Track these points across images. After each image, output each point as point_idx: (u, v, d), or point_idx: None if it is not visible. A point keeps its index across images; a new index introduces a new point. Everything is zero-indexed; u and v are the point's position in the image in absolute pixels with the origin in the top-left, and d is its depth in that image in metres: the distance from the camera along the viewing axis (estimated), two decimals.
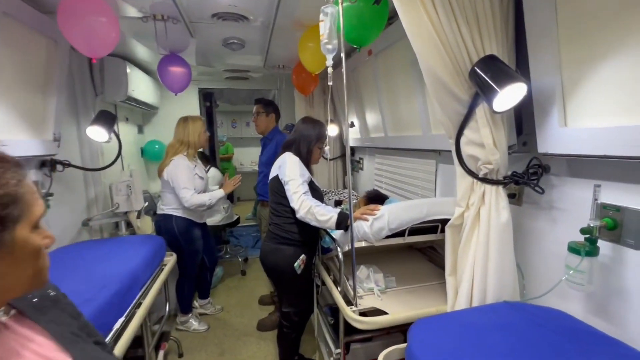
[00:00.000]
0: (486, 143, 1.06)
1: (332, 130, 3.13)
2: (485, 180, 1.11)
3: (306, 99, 3.23)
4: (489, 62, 0.98)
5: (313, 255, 1.79)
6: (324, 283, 1.70)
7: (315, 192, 1.69)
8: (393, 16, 1.66)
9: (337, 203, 2.75)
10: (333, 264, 1.70)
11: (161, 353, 1.98)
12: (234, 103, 5.86)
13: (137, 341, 1.53)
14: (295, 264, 1.64)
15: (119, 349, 1.15)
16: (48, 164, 1.84)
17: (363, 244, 1.45)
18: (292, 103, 3.41)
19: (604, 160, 0.93)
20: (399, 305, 1.37)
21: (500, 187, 1.11)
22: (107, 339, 1.11)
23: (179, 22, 1.89)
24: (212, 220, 3.26)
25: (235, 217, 3.60)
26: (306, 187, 1.58)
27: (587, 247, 0.94)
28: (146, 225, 2.51)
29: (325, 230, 1.67)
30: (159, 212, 2.32)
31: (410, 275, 1.64)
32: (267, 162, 2.45)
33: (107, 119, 2.00)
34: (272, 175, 1.74)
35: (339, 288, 1.46)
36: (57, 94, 1.80)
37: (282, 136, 2.55)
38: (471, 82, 1.03)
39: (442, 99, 1.09)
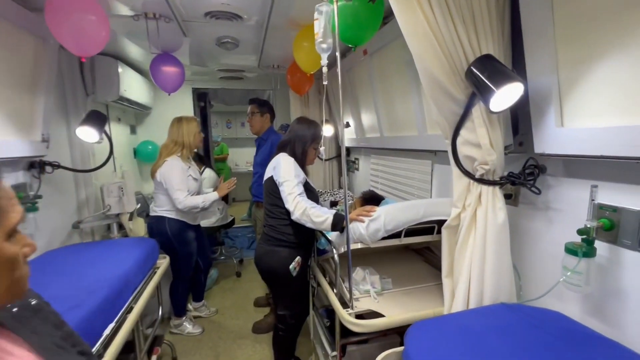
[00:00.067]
0: (482, 143, 1.05)
1: (327, 130, 3.11)
2: (481, 181, 1.10)
3: (301, 99, 3.21)
4: (486, 62, 0.97)
5: (308, 257, 1.78)
6: (319, 285, 1.68)
7: (311, 193, 1.67)
8: (388, 15, 1.65)
9: (333, 204, 2.73)
10: (329, 265, 1.68)
11: (154, 358, 1.94)
12: (228, 103, 5.82)
13: (129, 346, 1.50)
14: (291, 266, 1.62)
15: (109, 356, 1.12)
16: (36, 165, 1.80)
17: (359, 245, 1.43)
18: (287, 103, 3.38)
19: (600, 160, 0.93)
20: (395, 307, 1.36)
21: (497, 188, 1.10)
22: (96, 346, 1.08)
23: (171, 20, 1.86)
24: (207, 221, 3.23)
25: (230, 219, 3.56)
26: (301, 188, 1.56)
27: (584, 248, 0.94)
28: (139, 228, 2.47)
29: (320, 232, 1.65)
30: (151, 214, 2.29)
31: (406, 277, 1.63)
32: (262, 162, 2.42)
33: (97, 119, 1.96)
34: (266, 176, 1.72)
35: (334, 290, 1.44)
36: (46, 94, 1.75)
37: (277, 136, 2.53)
38: (467, 82, 1.02)
39: (438, 98, 1.08)
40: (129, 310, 1.38)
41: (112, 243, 1.93)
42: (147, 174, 3.03)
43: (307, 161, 1.74)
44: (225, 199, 3.15)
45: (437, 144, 1.67)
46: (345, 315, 1.27)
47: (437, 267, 1.67)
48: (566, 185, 1.09)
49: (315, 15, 1.11)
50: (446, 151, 1.18)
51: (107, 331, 1.16)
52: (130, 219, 2.34)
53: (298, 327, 1.84)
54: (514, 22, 1.08)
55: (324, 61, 1.14)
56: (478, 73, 0.96)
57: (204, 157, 3.70)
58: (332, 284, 1.51)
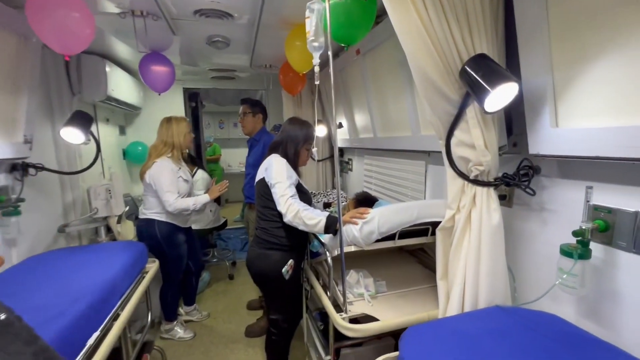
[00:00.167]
0: (477, 144, 1.04)
1: (320, 131, 3.09)
2: (476, 182, 1.09)
3: (294, 99, 3.18)
4: (480, 61, 0.96)
5: (301, 260, 1.75)
6: (312, 288, 1.66)
7: (303, 194, 1.64)
8: (381, 14, 1.63)
9: (326, 205, 2.70)
10: (322, 268, 1.66)
11: None
12: (220, 103, 5.75)
13: (116, 353, 1.45)
14: (283, 270, 1.59)
15: None
16: (19, 168, 1.73)
17: (352, 248, 1.41)
18: (280, 103, 3.35)
19: (595, 161, 0.92)
20: (389, 310, 1.34)
21: (492, 189, 1.09)
22: (80, 357, 1.03)
23: (159, 18, 1.81)
24: (199, 223, 3.17)
25: (223, 220, 3.51)
26: (293, 190, 1.53)
27: (579, 250, 0.93)
28: (128, 231, 2.41)
29: (313, 234, 1.62)
30: (141, 216, 2.23)
31: (401, 279, 1.61)
32: (254, 163, 2.39)
33: (82, 119, 1.90)
34: (258, 177, 1.68)
35: (328, 294, 1.41)
36: (29, 94, 1.69)
37: (270, 137, 2.49)
38: (462, 82, 1.00)
39: (431, 99, 1.07)
40: (116, 317, 1.33)
41: (99, 247, 1.87)
42: (137, 175, 2.97)
43: (300, 162, 1.71)
44: (217, 200, 3.10)
45: (431, 145, 1.65)
46: (339, 320, 1.25)
47: (432, 268, 1.66)
48: (561, 186, 1.08)
49: (307, 13, 1.09)
50: (440, 152, 1.17)
51: (91, 340, 1.11)
52: (119, 221, 2.28)
53: (291, 331, 1.81)
54: (508, 21, 1.07)
55: (316, 60, 1.12)
56: (472, 72, 0.95)
57: (196, 159, 3.64)
58: (325, 287, 1.49)
